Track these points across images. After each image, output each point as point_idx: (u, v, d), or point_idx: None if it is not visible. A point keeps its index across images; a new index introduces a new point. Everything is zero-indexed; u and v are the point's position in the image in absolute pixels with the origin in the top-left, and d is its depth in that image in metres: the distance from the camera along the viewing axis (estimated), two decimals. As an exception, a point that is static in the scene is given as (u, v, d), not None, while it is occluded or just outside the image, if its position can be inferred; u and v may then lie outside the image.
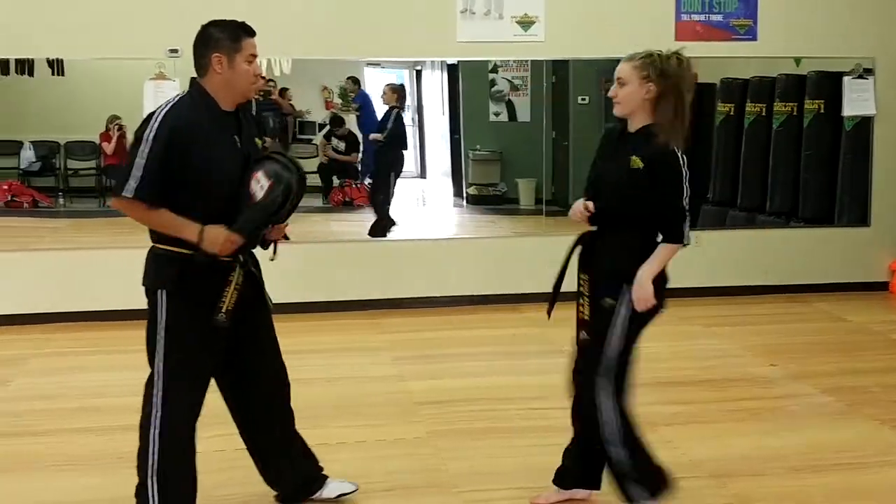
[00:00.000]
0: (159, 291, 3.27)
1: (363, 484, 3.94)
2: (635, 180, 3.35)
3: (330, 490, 3.76)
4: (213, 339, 3.30)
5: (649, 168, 3.32)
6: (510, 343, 6.39)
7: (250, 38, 3.30)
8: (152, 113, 3.21)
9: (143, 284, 3.34)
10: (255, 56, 3.30)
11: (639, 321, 3.44)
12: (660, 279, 3.40)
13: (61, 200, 9.68)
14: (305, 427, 4.57)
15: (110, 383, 5.54)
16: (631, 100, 3.39)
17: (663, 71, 3.35)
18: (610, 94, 3.46)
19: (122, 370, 5.78)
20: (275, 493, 3.73)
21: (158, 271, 3.28)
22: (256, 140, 3.42)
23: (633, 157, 3.34)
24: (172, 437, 3.30)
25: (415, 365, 5.83)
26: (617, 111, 3.47)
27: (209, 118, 3.25)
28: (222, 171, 3.24)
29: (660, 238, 3.41)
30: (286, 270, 7.57)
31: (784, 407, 5.03)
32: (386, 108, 8.85)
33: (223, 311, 3.23)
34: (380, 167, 8.77)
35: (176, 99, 3.28)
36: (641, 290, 3.35)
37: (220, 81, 3.25)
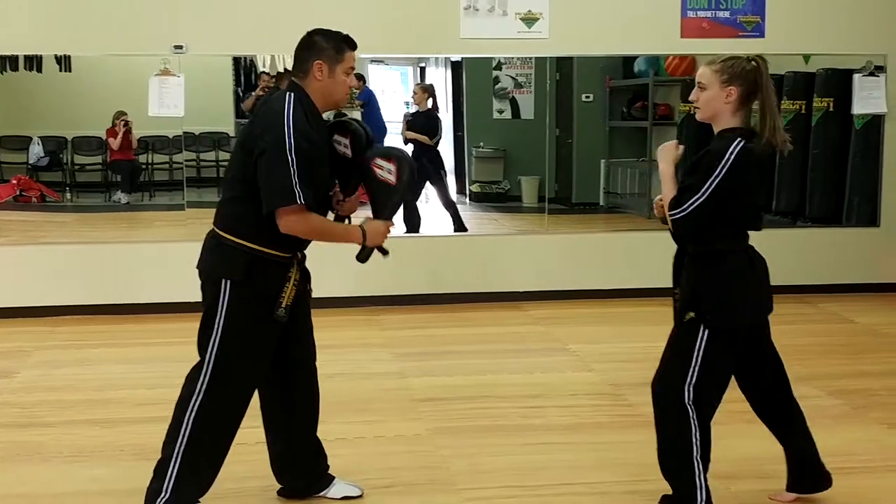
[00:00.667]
0: (224, 281, 3.33)
1: (362, 481, 3.92)
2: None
3: (335, 491, 3.76)
4: (269, 333, 3.39)
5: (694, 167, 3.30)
6: (512, 341, 6.36)
7: (352, 52, 3.44)
8: (272, 118, 3.26)
9: (201, 270, 3.42)
10: (353, 69, 3.45)
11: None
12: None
13: (68, 195, 9.70)
14: (304, 423, 4.57)
15: (116, 376, 5.56)
16: (711, 104, 3.35)
17: (744, 72, 3.31)
18: (691, 97, 3.42)
19: (129, 363, 5.82)
20: (280, 485, 3.75)
21: (226, 261, 3.35)
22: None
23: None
24: (207, 424, 3.35)
25: (415, 362, 5.81)
26: (698, 116, 3.42)
27: (315, 124, 3.36)
28: (323, 175, 3.40)
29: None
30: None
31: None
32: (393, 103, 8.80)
33: (283, 305, 3.35)
34: (429, 170, 8.64)
35: (290, 103, 3.29)
36: None
37: (318, 87, 3.37)
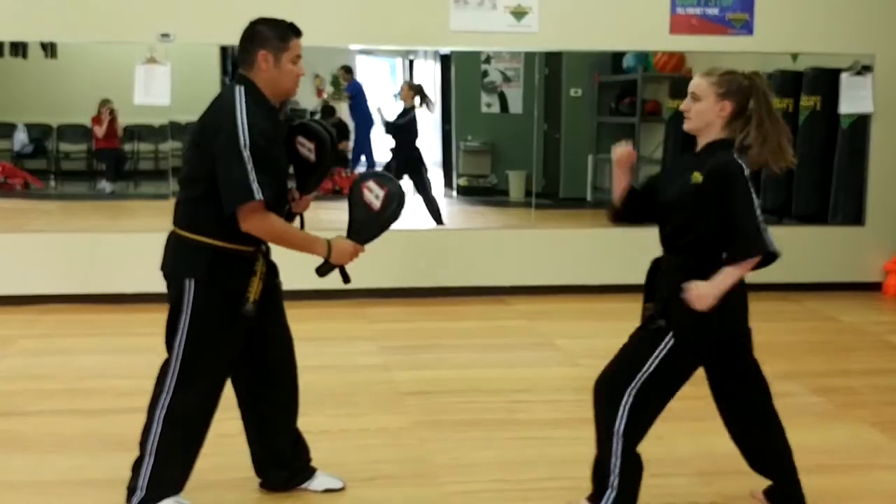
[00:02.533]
0: (187, 281, 3.30)
1: (345, 473, 3.90)
2: (696, 196, 3.24)
3: (317, 483, 3.75)
4: (237, 330, 3.35)
5: (709, 182, 3.21)
6: (497, 335, 6.36)
7: (297, 39, 3.37)
8: (224, 116, 3.22)
9: (164, 271, 3.39)
10: (300, 56, 3.37)
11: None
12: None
13: (53, 183, 9.66)
14: (288, 415, 4.56)
15: (99, 366, 5.53)
16: (704, 116, 3.31)
17: (740, 88, 3.29)
18: (682, 107, 3.38)
19: (112, 353, 5.80)
20: (260, 479, 3.73)
21: (188, 260, 3.32)
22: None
23: (695, 173, 3.25)
24: (177, 423, 3.35)
25: (401, 355, 5.80)
26: (687, 126, 3.37)
27: (269, 116, 3.32)
28: (279, 167, 3.35)
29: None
30: (274, 258, 7.59)
31: (782, 408, 4.98)
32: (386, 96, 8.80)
33: (250, 301, 3.30)
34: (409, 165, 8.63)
35: (241, 98, 3.26)
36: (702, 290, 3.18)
37: (265, 78, 3.31)
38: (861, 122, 7.81)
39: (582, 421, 4.65)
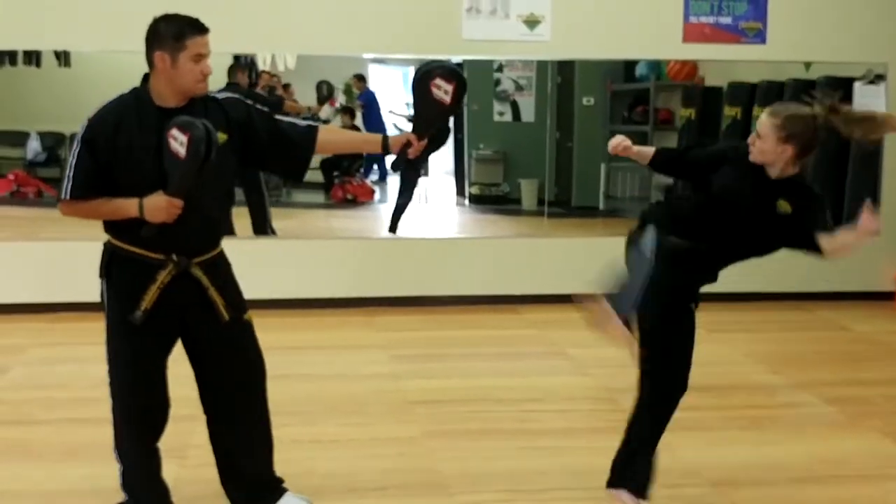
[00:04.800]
0: (101, 280, 3.34)
1: (355, 482, 3.90)
2: (782, 225, 3.42)
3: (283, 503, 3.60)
4: (142, 333, 3.27)
5: (798, 211, 3.39)
6: (508, 344, 6.34)
7: (199, 37, 3.21)
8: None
9: None
10: (202, 55, 3.21)
11: None
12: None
13: (65, 192, 9.68)
14: (299, 424, 4.56)
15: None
16: (766, 155, 3.35)
17: (805, 130, 3.31)
18: (748, 140, 3.41)
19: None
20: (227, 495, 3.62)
21: (101, 259, 3.34)
22: (220, 133, 3.27)
23: (780, 201, 3.37)
24: (123, 421, 3.39)
25: (411, 364, 5.78)
26: (752, 158, 3.39)
27: (137, 117, 3.20)
28: (144, 169, 3.18)
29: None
30: (285, 266, 7.59)
31: (786, 416, 4.97)
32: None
33: (141, 308, 3.21)
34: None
35: (110, 99, 3.26)
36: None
37: (163, 79, 3.20)
38: (874, 131, 7.76)
39: (594, 430, 4.65)
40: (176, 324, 3.33)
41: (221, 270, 3.41)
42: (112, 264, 3.28)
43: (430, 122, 3.50)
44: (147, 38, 3.22)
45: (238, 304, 3.42)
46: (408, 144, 3.48)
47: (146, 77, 3.26)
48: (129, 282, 3.25)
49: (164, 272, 3.24)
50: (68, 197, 3.18)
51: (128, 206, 3.17)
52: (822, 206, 3.45)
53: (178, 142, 3.11)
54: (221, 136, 3.24)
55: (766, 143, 3.31)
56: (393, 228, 8.28)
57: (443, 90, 3.37)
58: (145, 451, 3.44)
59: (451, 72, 3.46)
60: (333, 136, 3.79)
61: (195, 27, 3.22)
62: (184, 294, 3.29)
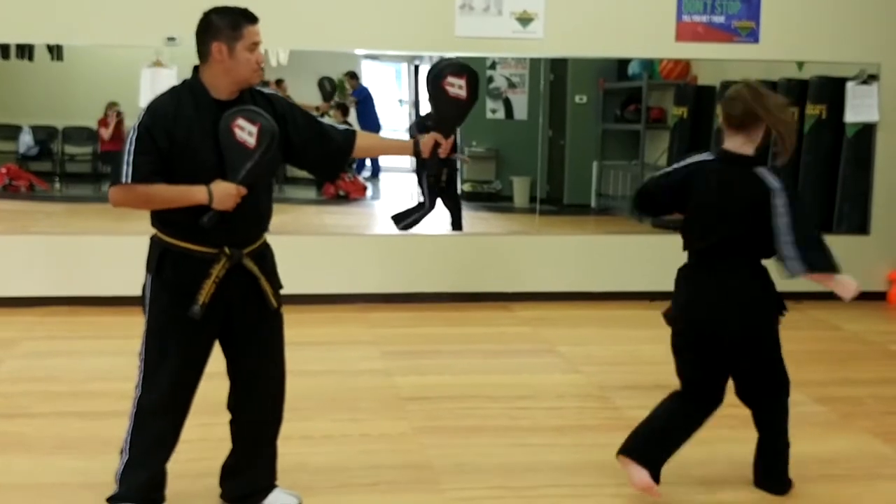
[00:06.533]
0: (146, 275, 3.33)
1: (347, 478, 3.91)
2: None
3: (272, 499, 3.59)
4: (193, 328, 3.28)
5: None
6: (500, 341, 6.35)
7: (252, 26, 3.26)
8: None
9: None
10: (257, 44, 3.27)
11: None
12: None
13: (58, 185, 9.68)
14: (291, 419, 4.53)
15: (102, 368, 5.52)
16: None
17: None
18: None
19: (114, 356, 5.77)
20: (221, 490, 3.63)
21: (148, 255, 3.33)
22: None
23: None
24: (143, 421, 3.34)
25: (403, 360, 5.79)
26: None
27: (194, 108, 3.23)
28: (203, 158, 3.22)
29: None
30: (278, 262, 7.58)
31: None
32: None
33: (199, 303, 3.22)
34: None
35: (168, 89, 3.30)
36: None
37: (220, 70, 3.24)
38: (866, 131, 7.79)
39: (584, 428, 4.67)
40: (222, 317, 3.33)
41: (268, 259, 3.47)
42: (164, 260, 3.27)
43: (454, 120, 3.59)
44: (200, 31, 3.27)
45: (280, 291, 3.49)
46: (437, 145, 3.54)
47: (195, 69, 3.30)
48: (183, 277, 3.25)
49: (219, 266, 3.26)
50: (129, 181, 3.15)
51: (194, 192, 3.19)
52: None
53: (245, 132, 3.17)
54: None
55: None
56: (403, 226, 8.25)
57: (457, 86, 3.44)
58: (163, 444, 3.41)
59: (461, 66, 3.55)
60: (370, 140, 3.83)
61: (248, 17, 3.28)
62: (236, 286, 3.31)
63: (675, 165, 3.76)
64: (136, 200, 3.25)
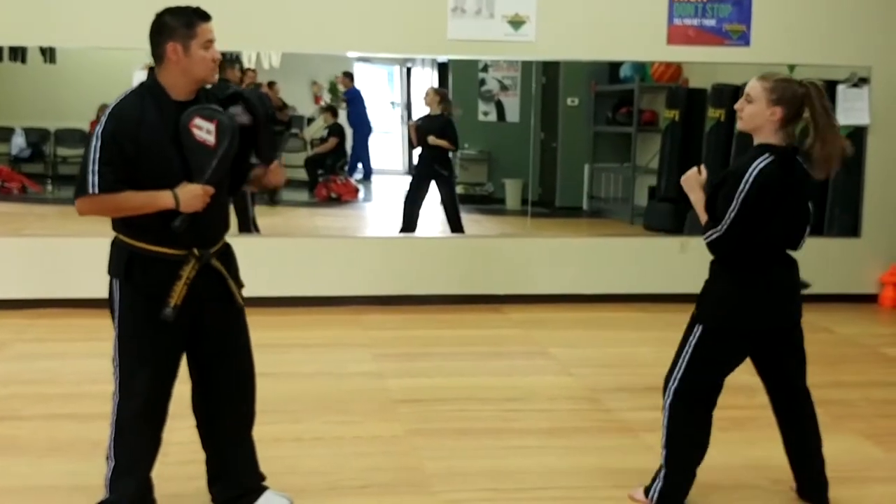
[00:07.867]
0: (113, 280, 3.31)
1: (338, 480, 3.90)
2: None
3: (262, 502, 3.57)
4: (166, 331, 3.25)
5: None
6: (492, 344, 6.35)
7: (205, 23, 3.22)
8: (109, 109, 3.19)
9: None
10: (211, 41, 3.23)
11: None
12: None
13: (50, 187, 9.66)
14: (282, 422, 4.56)
15: (93, 371, 5.47)
16: (755, 119, 3.45)
17: (794, 96, 3.40)
18: (736, 106, 3.51)
19: (105, 358, 5.69)
20: (210, 496, 3.61)
21: (112, 259, 3.31)
22: None
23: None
24: (125, 423, 3.32)
25: (395, 363, 5.79)
26: (739, 126, 3.53)
27: (158, 111, 3.18)
28: (170, 162, 3.18)
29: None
30: (269, 264, 7.58)
31: (767, 417, 4.93)
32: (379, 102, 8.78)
33: (171, 305, 3.19)
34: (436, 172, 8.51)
35: (125, 93, 3.22)
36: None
37: (177, 70, 3.19)
38: (857, 135, 7.81)
39: (575, 430, 4.67)
40: (191, 317, 3.30)
41: (232, 257, 3.46)
42: (132, 265, 3.24)
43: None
44: (154, 33, 3.22)
45: (241, 287, 3.47)
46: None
47: (151, 71, 3.24)
48: (153, 280, 3.22)
49: (188, 267, 3.23)
50: (96, 191, 3.11)
51: (161, 197, 3.15)
52: (722, 184, 3.49)
53: (204, 130, 3.13)
54: None
55: (756, 105, 3.41)
56: (459, 229, 8.24)
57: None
58: (147, 449, 3.39)
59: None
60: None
61: (201, 15, 3.24)
62: (204, 286, 3.29)
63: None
64: (103, 209, 3.20)
